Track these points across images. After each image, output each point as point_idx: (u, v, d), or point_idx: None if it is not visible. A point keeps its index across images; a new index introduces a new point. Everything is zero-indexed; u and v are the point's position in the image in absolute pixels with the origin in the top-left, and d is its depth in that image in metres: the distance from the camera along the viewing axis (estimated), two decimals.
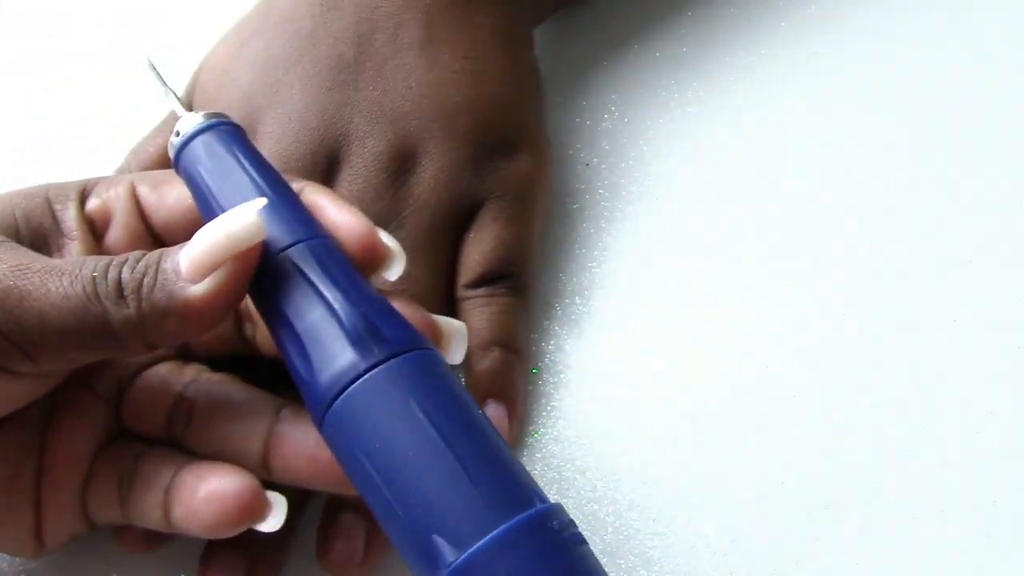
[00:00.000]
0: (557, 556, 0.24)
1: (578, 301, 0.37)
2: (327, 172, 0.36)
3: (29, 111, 0.43)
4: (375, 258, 0.29)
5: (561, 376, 0.36)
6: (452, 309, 0.36)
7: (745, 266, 0.38)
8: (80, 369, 0.30)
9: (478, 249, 0.36)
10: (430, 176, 0.36)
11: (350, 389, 0.25)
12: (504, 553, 0.23)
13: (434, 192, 0.35)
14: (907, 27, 0.43)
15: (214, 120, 0.30)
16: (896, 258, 0.38)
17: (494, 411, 0.34)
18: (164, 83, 0.32)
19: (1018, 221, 0.38)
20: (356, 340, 0.26)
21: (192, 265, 0.27)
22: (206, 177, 0.29)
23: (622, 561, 0.32)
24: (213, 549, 0.32)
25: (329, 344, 0.26)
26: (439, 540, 0.23)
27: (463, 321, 0.35)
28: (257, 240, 0.27)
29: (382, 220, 0.35)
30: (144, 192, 0.32)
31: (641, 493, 0.34)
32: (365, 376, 0.25)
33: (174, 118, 0.39)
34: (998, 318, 0.36)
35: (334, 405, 0.25)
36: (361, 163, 0.35)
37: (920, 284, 0.37)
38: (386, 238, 0.29)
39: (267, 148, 0.36)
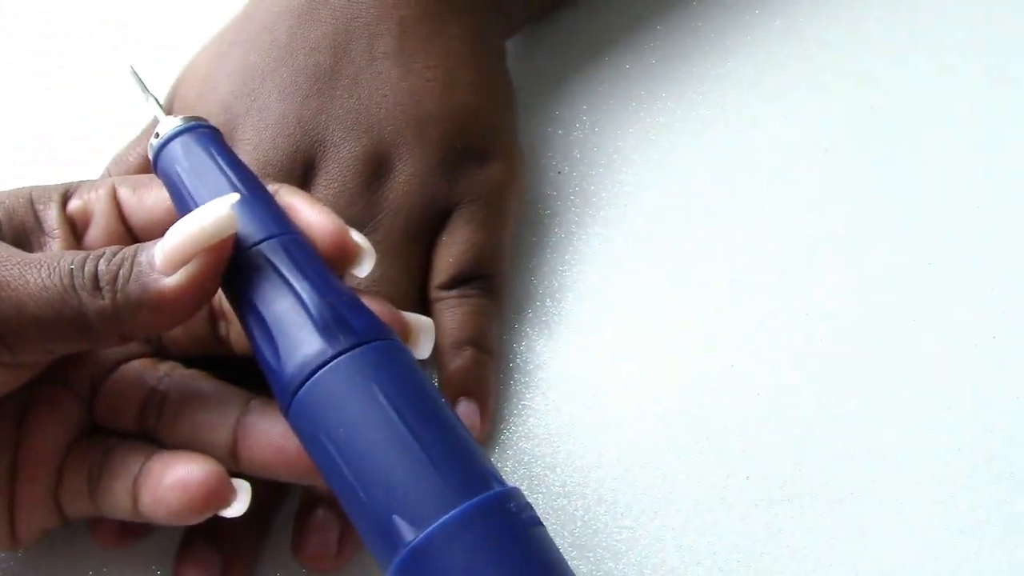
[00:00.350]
0: (514, 536, 0.24)
1: (549, 304, 0.38)
2: (303, 178, 0.36)
3: (29, 111, 0.43)
4: (346, 255, 0.30)
5: (532, 376, 0.37)
6: (425, 311, 0.37)
7: (711, 271, 0.39)
8: (55, 365, 0.31)
9: (450, 251, 0.37)
10: (403, 181, 0.37)
11: (316, 376, 0.26)
12: (462, 532, 0.24)
13: (407, 197, 0.36)
14: (870, 38, 0.44)
15: (192, 123, 0.31)
16: (861, 261, 0.39)
17: (466, 408, 0.35)
18: (146, 89, 0.33)
19: (977, 223, 0.39)
20: (323, 329, 0.26)
21: (166, 257, 0.27)
22: (183, 176, 0.30)
23: (591, 554, 0.33)
24: (188, 545, 0.33)
25: (296, 333, 0.26)
26: (399, 520, 0.24)
27: (437, 321, 0.36)
28: (229, 233, 0.28)
29: (356, 224, 0.36)
30: (124, 194, 0.33)
31: (609, 488, 0.34)
32: (331, 363, 0.26)
33: (153, 128, 0.40)
34: (959, 317, 0.37)
35: (300, 391, 0.26)
36: (336, 168, 0.36)
37: (883, 285, 0.38)
38: (357, 236, 0.30)
39: (245, 155, 0.36)
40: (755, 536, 0.33)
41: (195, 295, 0.28)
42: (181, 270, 0.27)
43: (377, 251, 0.35)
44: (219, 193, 0.29)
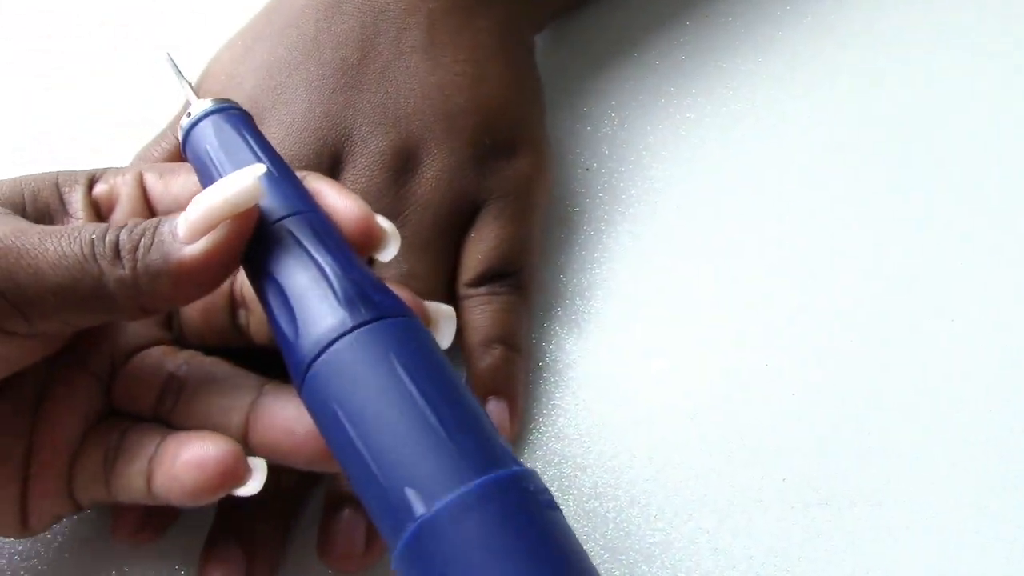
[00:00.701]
0: (529, 516, 0.23)
1: (579, 302, 0.38)
2: (330, 172, 0.36)
3: (29, 111, 0.43)
4: (371, 239, 0.30)
5: (562, 375, 0.36)
6: (454, 308, 0.36)
7: (742, 267, 0.38)
8: (75, 346, 0.30)
9: (479, 248, 0.36)
10: (431, 176, 0.36)
11: (335, 345, 0.25)
12: (476, 508, 0.23)
13: (436, 192, 0.36)
14: (904, 34, 0.43)
15: (224, 104, 0.31)
16: (896, 259, 0.38)
17: (495, 408, 0.34)
18: (180, 75, 0.33)
19: (1014, 222, 0.39)
20: (345, 302, 0.26)
21: (189, 227, 0.27)
22: (212, 154, 0.30)
23: (623, 557, 0.33)
24: (212, 545, 0.32)
25: (317, 305, 0.26)
26: (411, 493, 0.23)
27: (465, 318, 0.35)
28: (253, 203, 0.27)
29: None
30: (151, 180, 0.32)
31: (642, 490, 0.34)
32: (350, 334, 0.25)
33: (178, 122, 0.39)
34: (1002, 316, 0.36)
35: (316, 362, 0.25)
36: (364, 163, 0.36)
37: (920, 283, 0.37)
38: (382, 220, 0.30)
39: None
40: (792, 539, 0.32)
41: (217, 265, 0.27)
42: (203, 239, 0.27)
43: (404, 246, 0.35)
44: None
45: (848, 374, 0.35)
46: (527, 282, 0.37)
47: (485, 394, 0.34)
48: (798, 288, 0.37)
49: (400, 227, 0.35)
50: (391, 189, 0.36)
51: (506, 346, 0.35)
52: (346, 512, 0.32)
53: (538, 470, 0.34)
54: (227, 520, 0.33)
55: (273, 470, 0.29)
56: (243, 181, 0.27)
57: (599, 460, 0.34)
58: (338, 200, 0.30)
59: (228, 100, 0.31)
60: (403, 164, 0.36)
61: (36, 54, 0.45)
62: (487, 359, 0.35)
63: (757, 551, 0.32)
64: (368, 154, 0.36)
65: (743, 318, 0.37)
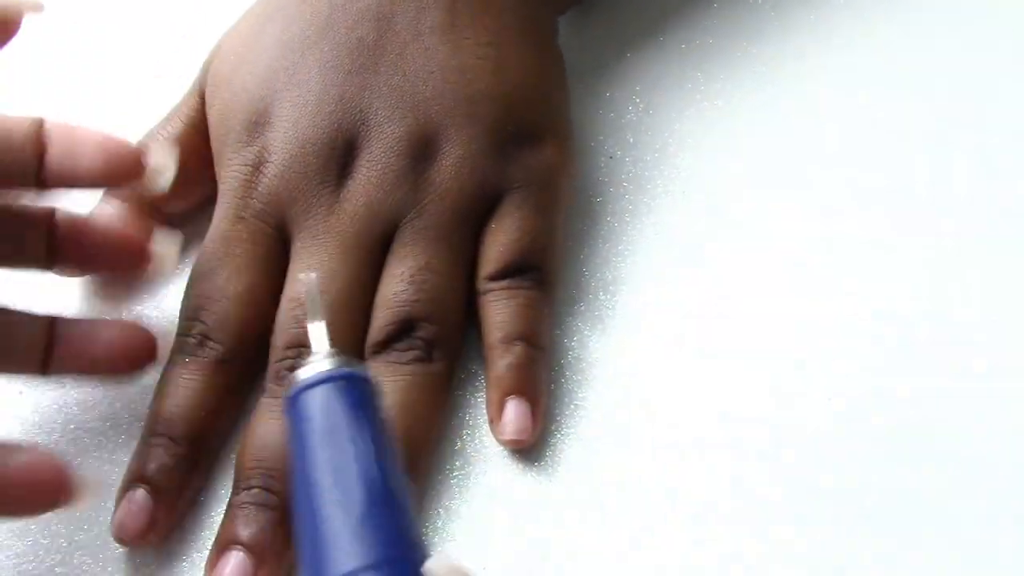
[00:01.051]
0: None
1: (602, 297, 0.36)
2: (345, 157, 0.34)
3: (28, 111, 0.41)
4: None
5: (585, 373, 0.35)
6: (473, 301, 0.35)
7: (775, 261, 0.37)
8: None
9: (500, 240, 0.34)
10: (451, 164, 0.34)
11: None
12: None
13: (456, 180, 0.34)
14: (939, 14, 0.42)
15: (343, 371, 0.27)
16: (935, 254, 0.36)
17: (517, 409, 0.33)
18: (316, 313, 0.28)
19: None
20: None
21: None
22: (311, 438, 0.26)
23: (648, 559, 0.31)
24: (220, 548, 0.31)
25: None
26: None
27: (485, 314, 0.34)
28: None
29: (402, 208, 0.34)
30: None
31: (669, 490, 0.32)
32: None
33: (185, 104, 0.37)
34: None
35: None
36: (380, 149, 0.34)
37: (968, 279, 0.36)
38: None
39: (282, 132, 0.34)
40: (832, 550, 0.31)
41: None
42: None
43: (423, 237, 0.34)
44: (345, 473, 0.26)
45: (888, 378, 0.34)
46: (551, 276, 0.35)
47: (505, 394, 0.33)
48: (834, 284, 0.36)
49: (417, 217, 0.34)
50: (408, 177, 0.34)
51: (528, 343, 0.34)
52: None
53: (560, 473, 0.33)
54: (234, 523, 0.31)
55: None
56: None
57: (624, 461, 0.33)
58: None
59: (348, 360, 0.27)
60: (421, 151, 0.34)
61: (36, 53, 0.43)
62: (508, 357, 0.33)
63: (792, 560, 0.31)
64: (384, 140, 0.34)
65: (774, 315, 0.35)
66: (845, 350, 0.35)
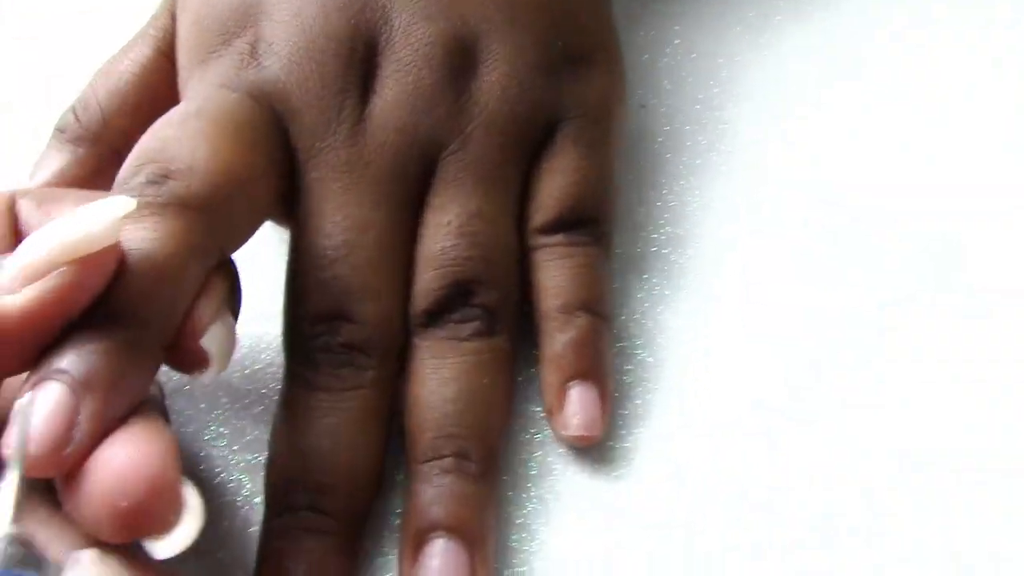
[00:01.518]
0: None
1: (630, 275, 0.30)
2: (363, 67, 0.28)
3: (28, 110, 0.36)
4: None
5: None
6: (523, 257, 0.29)
7: (832, 234, 0.31)
8: None
9: (556, 183, 0.29)
10: (498, 80, 0.28)
11: None
12: None
13: (504, 103, 0.28)
14: None
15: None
16: (998, 238, 0.31)
17: (583, 394, 0.27)
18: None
19: None
20: None
21: (17, 270, 0.21)
22: None
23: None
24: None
25: None
26: None
27: (538, 276, 0.29)
28: (109, 243, 0.21)
29: (441, 135, 0.28)
30: (26, 209, 0.25)
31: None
32: None
33: (154, 23, 0.31)
34: None
35: None
36: (409, 55, 0.28)
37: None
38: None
39: (283, 35, 0.28)
40: (878, 548, 0.26)
41: (41, 321, 0.21)
42: (29, 287, 0.21)
43: (471, 175, 0.28)
44: None
45: (951, 373, 0.28)
46: (608, 231, 0.30)
47: (568, 377, 0.27)
48: (898, 269, 0.30)
49: (460, 149, 0.28)
50: (446, 94, 0.28)
51: (591, 313, 0.28)
52: (440, 543, 0.25)
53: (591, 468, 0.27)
54: (281, 545, 0.26)
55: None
56: (101, 218, 0.21)
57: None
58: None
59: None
60: (458, 61, 0.28)
61: (35, 53, 0.38)
62: (570, 331, 0.28)
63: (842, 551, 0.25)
64: (412, 44, 0.28)
65: (832, 297, 0.30)
66: (904, 343, 0.29)
